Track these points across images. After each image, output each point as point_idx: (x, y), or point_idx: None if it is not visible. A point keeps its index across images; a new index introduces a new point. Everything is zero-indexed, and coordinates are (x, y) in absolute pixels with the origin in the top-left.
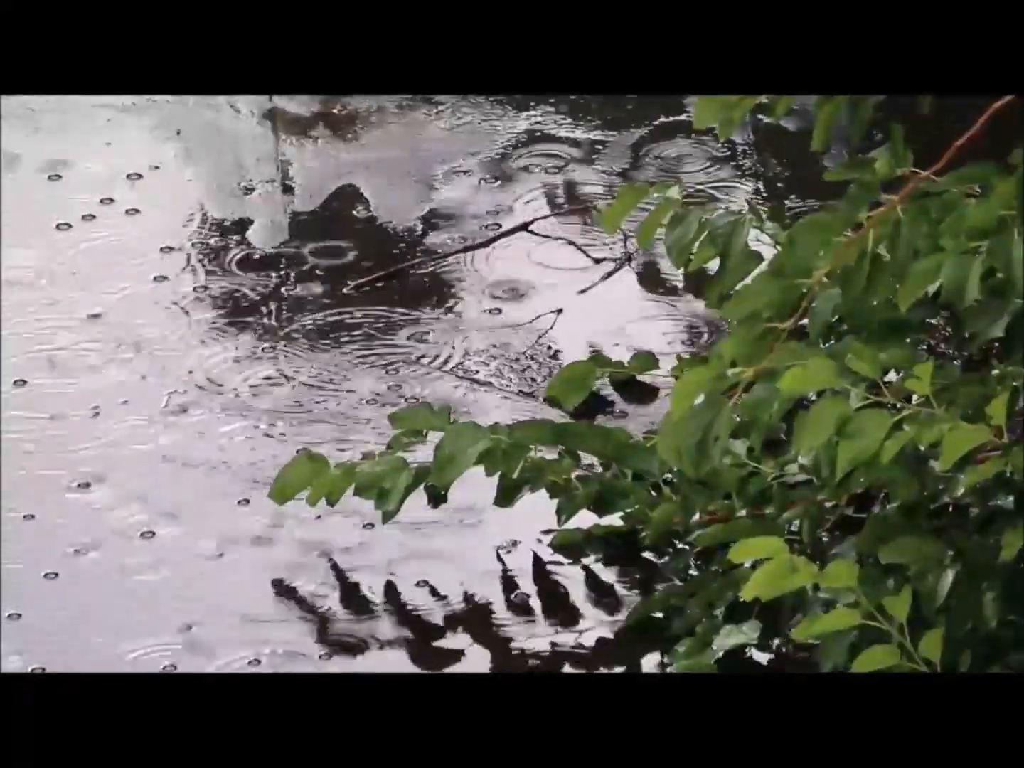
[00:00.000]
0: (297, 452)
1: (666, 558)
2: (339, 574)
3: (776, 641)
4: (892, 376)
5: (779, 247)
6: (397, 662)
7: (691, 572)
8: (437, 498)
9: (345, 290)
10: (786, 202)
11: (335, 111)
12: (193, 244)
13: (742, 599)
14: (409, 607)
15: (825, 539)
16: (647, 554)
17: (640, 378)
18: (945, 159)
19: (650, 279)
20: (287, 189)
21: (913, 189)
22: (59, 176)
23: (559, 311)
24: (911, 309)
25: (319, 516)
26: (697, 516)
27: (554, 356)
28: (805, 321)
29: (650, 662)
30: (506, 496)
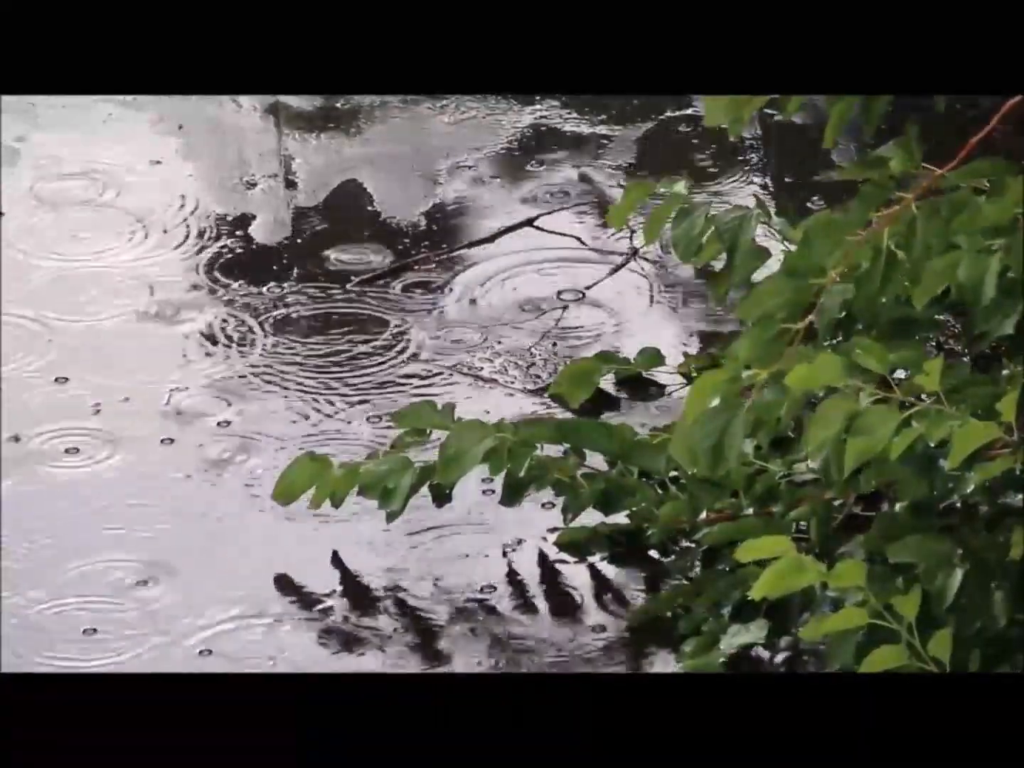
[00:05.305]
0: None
1: (672, 557)
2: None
3: (784, 640)
4: (901, 373)
5: (788, 243)
6: (399, 661)
7: (698, 571)
8: (442, 497)
9: (349, 286)
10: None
11: (338, 106)
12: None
13: (750, 598)
14: (412, 605)
15: (833, 538)
16: (653, 553)
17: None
18: (960, 158)
19: (657, 274)
20: (290, 184)
21: (928, 187)
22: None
23: (565, 307)
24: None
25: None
26: (704, 514)
27: (559, 352)
28: (813, 318)
29: (656, 662)
30: (512, 495)
